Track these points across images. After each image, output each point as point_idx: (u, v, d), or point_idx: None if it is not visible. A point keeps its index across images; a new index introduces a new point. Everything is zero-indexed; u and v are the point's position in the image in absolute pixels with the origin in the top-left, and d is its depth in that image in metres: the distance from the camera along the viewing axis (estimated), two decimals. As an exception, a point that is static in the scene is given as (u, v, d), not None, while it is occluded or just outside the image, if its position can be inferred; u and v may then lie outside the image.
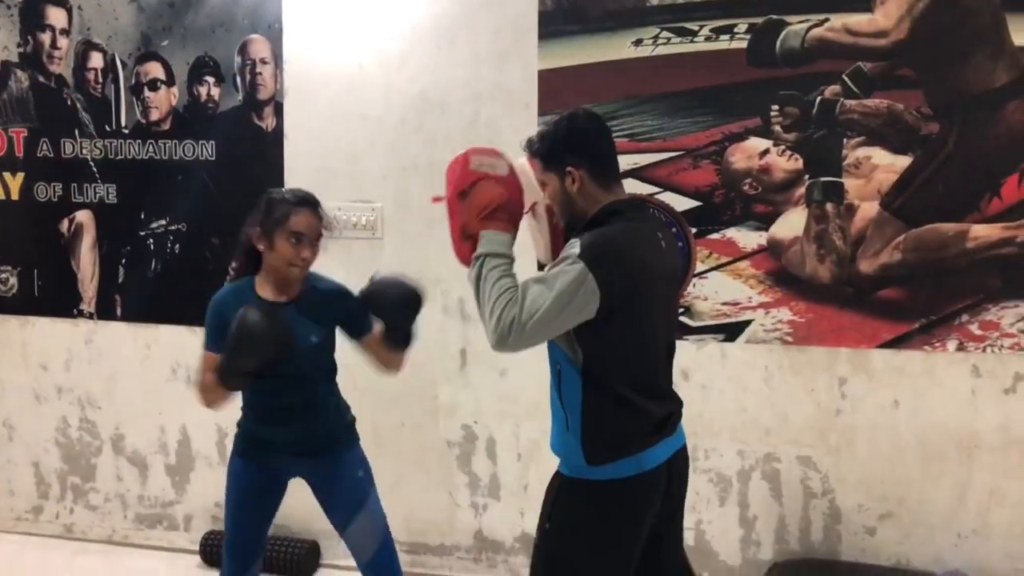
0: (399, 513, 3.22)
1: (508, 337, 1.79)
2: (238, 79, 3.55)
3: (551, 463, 3.37)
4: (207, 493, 3.74)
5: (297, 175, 3.47)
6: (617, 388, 1.90)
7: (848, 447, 3.12)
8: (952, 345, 2.98)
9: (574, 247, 1.84)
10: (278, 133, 3.51)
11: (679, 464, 2.08)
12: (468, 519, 3.50)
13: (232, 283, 2.44)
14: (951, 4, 2.89)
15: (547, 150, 1.97)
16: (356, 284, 3.41)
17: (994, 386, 2.98)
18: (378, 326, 2.47)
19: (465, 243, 1.94)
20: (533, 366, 3.34)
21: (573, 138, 1.96)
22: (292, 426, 2.42)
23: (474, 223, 1.92)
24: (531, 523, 3.41)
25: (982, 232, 2.94)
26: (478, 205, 1.92)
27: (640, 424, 1.94)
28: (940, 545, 3.07)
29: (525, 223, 2.08)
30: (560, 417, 1.99)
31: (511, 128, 3.28)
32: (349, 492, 2.51)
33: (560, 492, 2.01)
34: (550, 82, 3.22)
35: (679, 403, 2.08)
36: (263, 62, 3.51)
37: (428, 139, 3.38)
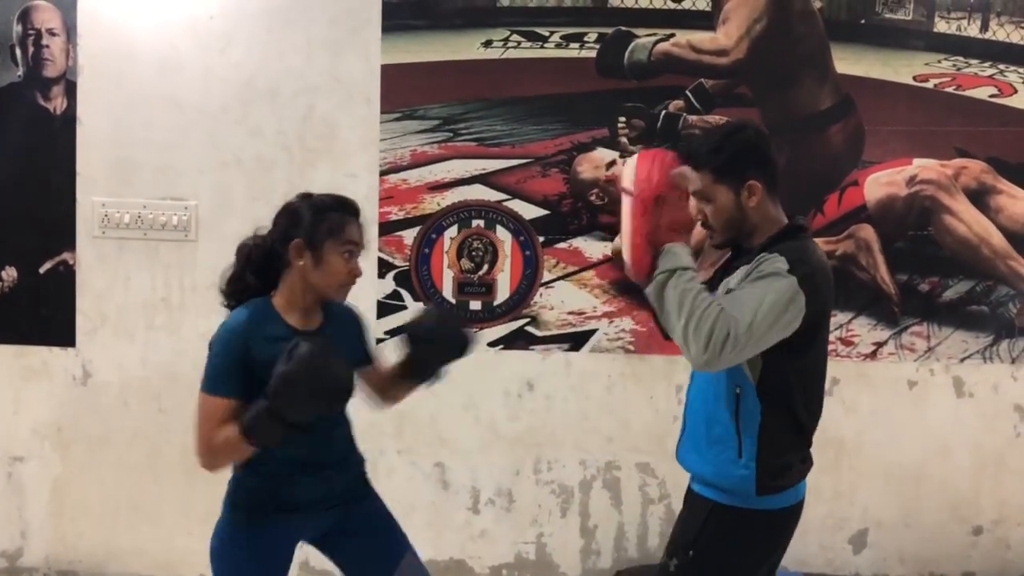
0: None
1: (720, 353, 1.68)
2: (18, 51, 3.02)
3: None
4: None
5: (93, 165, 3.05)
6: (794, 413, 1.86)
7: (684, 453, 3.20)
8: (779, 352, 3.15)
9: (777, 262, 1.77)
10: (70, 117, 3.03)
11: None
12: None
13: (246, 307, 1.93)
14: (784, 28, 3.05)
15: (725, 162, 1.85)
16: (163, 290, 3.06)
17: (814, 390, 3.18)
18: (399, 355, 2.13)
19: (647, 252, 1.81)
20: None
21: (755, 151, 1.89)
22: (327, 474, 2.02)
23: (664, 235, 1.80)
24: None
25: (807, 246, 3.12)
26: (674, 220, 1.81)
27: (804, 451, 1.93)
28: (765, 542, 3.23)
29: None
30: (731, 444, 1.87)
31: (350, 125, 3.07)
32: (391, 534, 2.14)
33: (710, 520, 1.91)
34: (394, 78, 3.03)
35: None
36: (51, 33, 3.01)
37: (254, 131, 3.06)
